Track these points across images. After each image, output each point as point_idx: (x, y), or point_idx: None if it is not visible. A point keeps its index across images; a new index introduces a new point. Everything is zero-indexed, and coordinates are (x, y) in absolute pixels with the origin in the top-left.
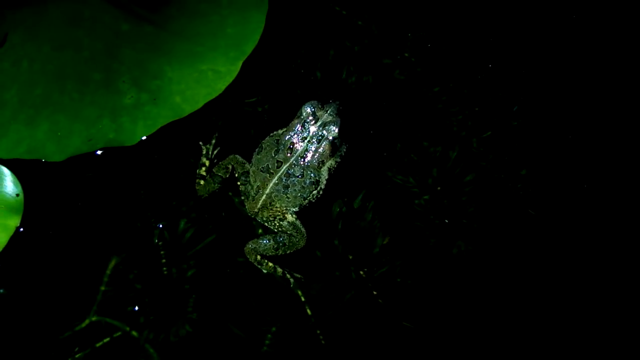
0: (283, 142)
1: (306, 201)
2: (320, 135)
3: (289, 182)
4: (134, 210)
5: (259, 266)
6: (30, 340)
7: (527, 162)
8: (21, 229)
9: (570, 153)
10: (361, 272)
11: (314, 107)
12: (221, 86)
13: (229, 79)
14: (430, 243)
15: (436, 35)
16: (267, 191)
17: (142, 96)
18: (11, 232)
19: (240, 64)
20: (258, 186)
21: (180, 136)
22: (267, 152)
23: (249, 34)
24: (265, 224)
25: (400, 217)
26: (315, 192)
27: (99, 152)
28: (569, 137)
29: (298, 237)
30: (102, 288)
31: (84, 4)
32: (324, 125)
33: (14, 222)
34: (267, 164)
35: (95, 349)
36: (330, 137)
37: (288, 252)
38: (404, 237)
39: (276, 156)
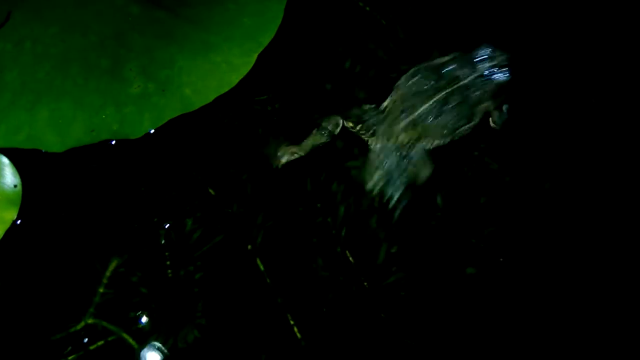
0: (445, 71)
1: (451, 136)
2: (488, 76)
3: (442, 110)
4: (137, 208)
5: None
6: (22, 340)
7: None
8: (18, 222)
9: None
10: (365, 284)
11: (489, 50)
12: (234, 79)
13: (243, 72)
14: (439, 257)
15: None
16: (416, 115)
17: (150, 86)
18: (7, 225)
19: (255, 56)
20: (403, 109)
21: (188, 131)
22: (422, 78)
23: (266, 24)
24: (394, 152)
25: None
26: (464, 128)
27: (101, 144)
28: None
29: (425, 172)
30: (101, 290)
31: None
32: (494, 67)
33: (11, 215)
34: (422, 88)
35: (89, 352)
36: (497, 81)
37: (406, 183)
38: (412, 247)
39: (434, 83)
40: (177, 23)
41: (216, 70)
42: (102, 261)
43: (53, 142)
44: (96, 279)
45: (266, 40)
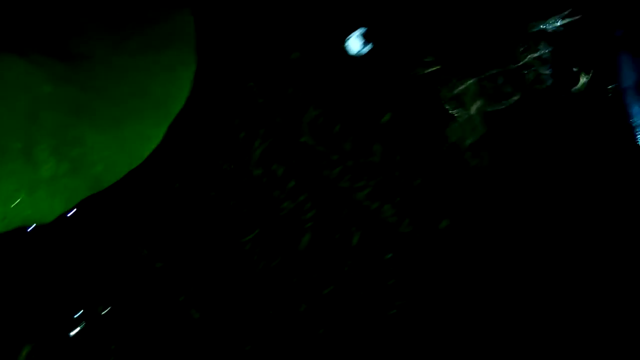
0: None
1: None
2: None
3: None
4: (50, 294)
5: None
6: None
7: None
8: None
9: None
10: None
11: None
12: (145, 153)
13: (154, 144)
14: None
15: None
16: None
17: (62, 166)
18: None
19: (165, 127)
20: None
21: (100, 210)
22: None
23: (175, 93)
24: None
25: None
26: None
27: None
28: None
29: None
30: None
31: (5, 65)
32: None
33: None
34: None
35: None
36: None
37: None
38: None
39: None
40: (88, 98)
41: (127, 144)
42: (16, 348)
43: None
44: None
45: (176, 109)
